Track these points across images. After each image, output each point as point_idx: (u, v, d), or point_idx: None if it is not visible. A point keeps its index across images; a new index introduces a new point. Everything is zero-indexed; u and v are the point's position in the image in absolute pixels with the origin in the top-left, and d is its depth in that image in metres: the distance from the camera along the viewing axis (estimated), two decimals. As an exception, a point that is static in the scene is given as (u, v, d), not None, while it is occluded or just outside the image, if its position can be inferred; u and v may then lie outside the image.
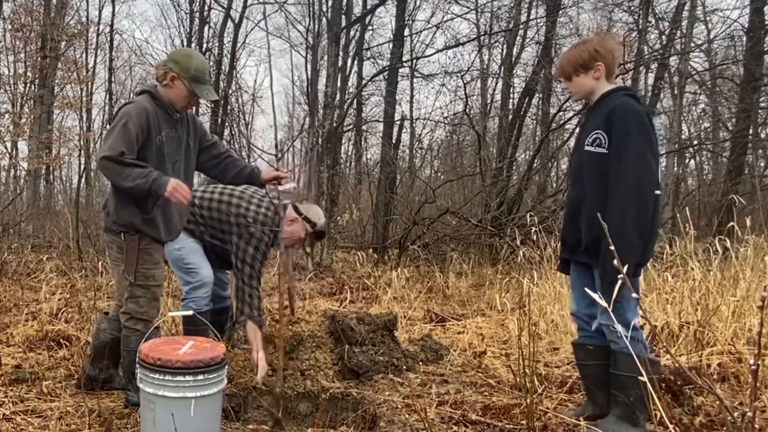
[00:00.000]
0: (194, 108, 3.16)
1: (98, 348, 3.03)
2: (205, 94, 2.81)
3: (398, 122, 12.25)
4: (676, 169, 13.28)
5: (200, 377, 2.24)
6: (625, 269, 2.39)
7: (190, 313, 3.16)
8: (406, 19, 12.48)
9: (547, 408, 2.88)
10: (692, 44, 11.68)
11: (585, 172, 2.52)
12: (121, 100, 16.79)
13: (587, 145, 2.51)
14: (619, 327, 2.45)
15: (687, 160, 14.47)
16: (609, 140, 2.42)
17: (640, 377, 2.40)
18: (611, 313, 1.81)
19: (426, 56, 14.12)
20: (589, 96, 2.62)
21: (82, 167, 15.26)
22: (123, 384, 3.03)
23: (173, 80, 2.77)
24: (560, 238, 2.79)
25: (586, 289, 2.38)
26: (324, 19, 9.63)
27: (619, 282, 2.33)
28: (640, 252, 2.40)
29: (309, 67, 11.85)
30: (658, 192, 2.45)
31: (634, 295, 1.45)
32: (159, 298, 2.91)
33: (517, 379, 3.20)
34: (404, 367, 3.55)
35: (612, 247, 2.33)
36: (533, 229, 5.96)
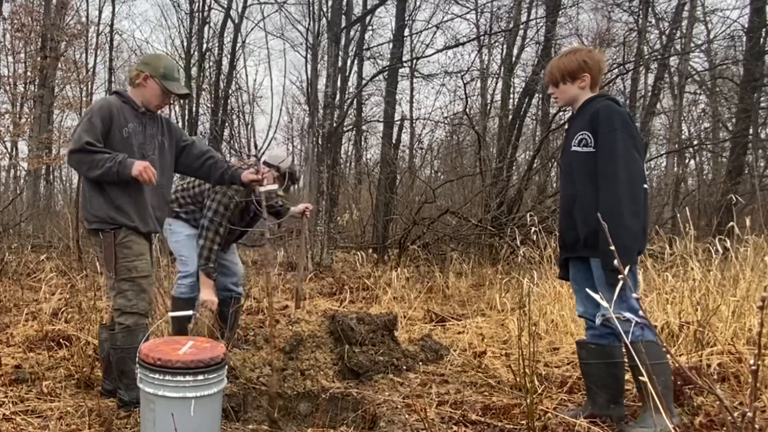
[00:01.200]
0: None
1: (106, 360, 3.02)
2: (175, 88, 2.97)
3: (398, 122, 12.27)
4: (676, 169, 13.28)
5: (200, 377, 2.24)
6: (625, 269, 2.42)
7: (190, 313, 3.19)
8: (406, 19, 12.50)
9: (547, 408, 2.88)
10: (692, 44, 11.69)
11: (575, 171, 2.61)
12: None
13: (574, 146, 2.60)
14: (628, 314, 2.47)
15: (687, 160, 14.48)
16: (595, 140, 2.52)
17: (663, 362, 2.42)
18: (612, 304, 1.82)
19: (426, 56, 14.17)
20: (572, 103, 2.72)
21: (82, 167, 15.21)
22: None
23: (145, 80, 2.93)
24: (559, 239, 2.81)
25: (588, 290, 2.39)
26: (324, 19, 9.63)
27: (625, 270, 2.35)
28: (639, 236, 2.46)
29: (309, 67, 11.84)
30: (645, 186, 2.53)
31: (635, 293, 1.44)
32: (147, 290, 2.89)
33: (517, 379, 3.20)
34: (404, 367, 3.55)
35: (609, 236, 2.37)
36: (533, 229, 5.96)
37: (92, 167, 2.72)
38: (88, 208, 2.84)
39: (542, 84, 10.59)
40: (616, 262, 2.40)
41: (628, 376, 2.79)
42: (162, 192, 3.01)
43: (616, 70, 9.74)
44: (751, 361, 1.11)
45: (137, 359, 2.36)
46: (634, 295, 1.49)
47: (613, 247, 2.31)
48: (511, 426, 2.65)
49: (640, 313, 2.47)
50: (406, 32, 12.75)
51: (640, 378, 2.50)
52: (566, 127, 3.11)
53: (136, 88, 2.95)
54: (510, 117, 10.84)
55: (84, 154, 2.71)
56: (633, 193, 2.45)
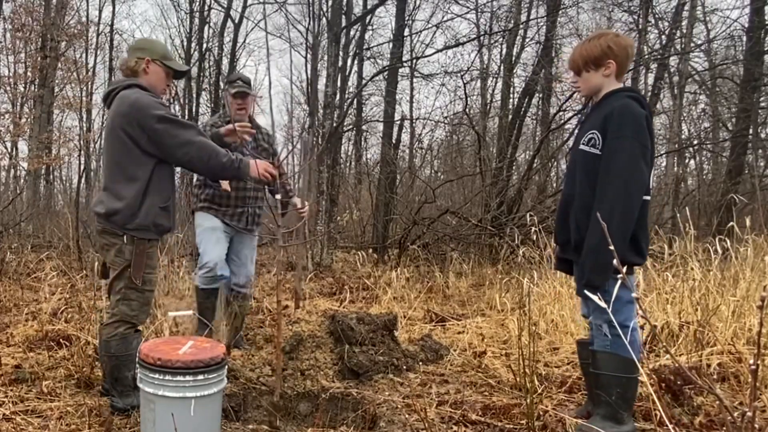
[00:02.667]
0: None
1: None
2: (177, 66, 2.92)
3: (398, 122, 12.24)
4: (676, 169, 13.28)
5: (200, 377, 2.24)
6: (598, 286, 2.42)
7: (190, 312, 3.21)
8: (406, 19, 12.48)
9: (547, 408, 2.88)
10: (692, 44, 11.69)
11: (577, 170, 2.50)
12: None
13: (582, 144, 2.48)
14: (605, 327, 2.45)
15: (687, 160, 14.48)
16: (603, 142, 2.38)
17: (623, 375, 2.41)
18: (610, 313, 1.80)
19: (426, 56, 14.15)
20: (596, 93, 2.55)
21: (82, 167, 15.28)
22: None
23: (148, 64, 2.84)
24: (554, 234, 2.79)
25: (586, 291, 2.39)
26: (324, 19, 9.63)
27: (618, 282, 2.36)
28: (623, 254, 2.33)
29: (309, 67, 11.84)
30: (647, 198, 2.41)
31: (634, 295, 1.43)
32: (151, 302, 2.87)
33: (517, 379, 3.20)
34: (404, 367, 3.55)
35: (589, 247, 2.36)
36: (533, 229, 5.95)
37: (218, 155, 2.70)
38: (126, 212, 2.68)
39: (542, 85, 10.59)
40: (589, 278, 2.40)
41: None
42: None
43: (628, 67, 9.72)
44: (751, 361, 1.11)
45: (137, 359, 2.36)
46: (634, 295, 1.48)
47: (591, 262, 2.32)
48: (511, 426, 2.65)
49: (633, 323, 2.46)
50: (406, 32, 12.74)
51: (594, 389, 2.54)
52: (582, 119, 3.01)
53: (140, 76, 2.84)
54: (510, 117, 10.83)
55: (206, 141, 2.70)
56: (627, 209, 2.31)
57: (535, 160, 9.76)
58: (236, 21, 16.94)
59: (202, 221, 3.82)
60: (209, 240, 3.76)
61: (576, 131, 2.87)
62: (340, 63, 10.13)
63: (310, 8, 10.66)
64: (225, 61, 16.93)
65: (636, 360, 2.41)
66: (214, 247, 3.74)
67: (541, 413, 2.77)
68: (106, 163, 2.78)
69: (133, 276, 2.72)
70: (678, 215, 8.56)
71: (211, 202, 3.82)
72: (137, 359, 2.36)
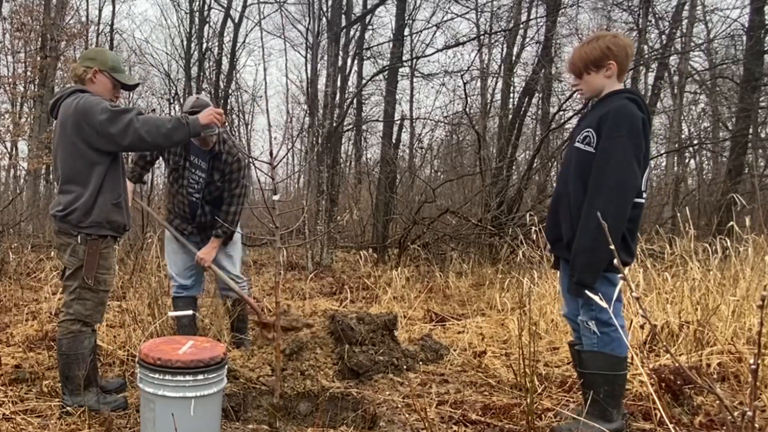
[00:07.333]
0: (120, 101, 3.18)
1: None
2: (126, 79, 2.94)
3: (398, 122, 12.24)
4: (676, 168, 13.29)
5: (200, 377, 2.25)
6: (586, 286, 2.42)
7: (190, 312, 3.20)
8: (406, 18, 12.48)
9: (547, 407, 2.88)
10: (692, 44, 11.69)
11: (572, 169, 2.51)
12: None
13: (578, 141, 2.49)
14: (592, 325, 2.45)
15: (687, 160, 14.49)
16: (598, 141, 2.39)
17: (609, 373, 2.42)
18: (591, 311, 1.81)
19: (426, 56, 14.17)
20: (599, 94, 2.55)
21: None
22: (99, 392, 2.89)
23: (95, 75, 2.88)
24: (545, 232, 2.79)
25: (579, 290, 2.38)
26: (324, 19, 9.63)
27: (619, 281, 2.37)
28: (611, 254, 2.35)
29: (309, 66, 11.84)
30: (640, 200, 2.40)
31: (635, 294, 1.42)
32: (105, 303, 2.90)
33: (517, 379, 3.20)
34: (404, 367, 3.55)
35: (580, 245, 2.37)
36: (533, 228, 5.95)
37: (166, 127, 2.73)
38: (81, 210, 2.74)
39: (542, 84, 10.58)
40: (576, 277, 2.41)
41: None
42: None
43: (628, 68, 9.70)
44: (751, 361, 1.11)
45: (140, 360, 2.35)
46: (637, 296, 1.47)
47: (581, 258, 2.34)
48: (511, 426, 2.65)
49: (612, 321, 2.45)
50: (406, 32, 12.74)
51: (582, 388, 2.55)
52: (580, 117, 3.02)
53: (87, 85, 2.88)
54: (510, 116, 10.82)
55: (147, 117, 2.73)
56: (619, 208, 2.32)
57: (535, 160, 9.76)
58: (236, 21, 16.95)
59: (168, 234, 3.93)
60: (168, 252, 3.90)
61: (574, 128, 2.88)
62: (339, 63, 10.12)
63: (310, 8, 10.66)
64: (225, 61, 16.94)
65: (624, 357, 2.43)
66: (171, 259, 3.87)
67: (541, 413, 2.77)
68: (62, 167, 2.82)
69: (86, 276, 2.75)
70: (678, 215, 8.55)
71: (168, 215, 3.92)
72: (138, 359, 2.36)
